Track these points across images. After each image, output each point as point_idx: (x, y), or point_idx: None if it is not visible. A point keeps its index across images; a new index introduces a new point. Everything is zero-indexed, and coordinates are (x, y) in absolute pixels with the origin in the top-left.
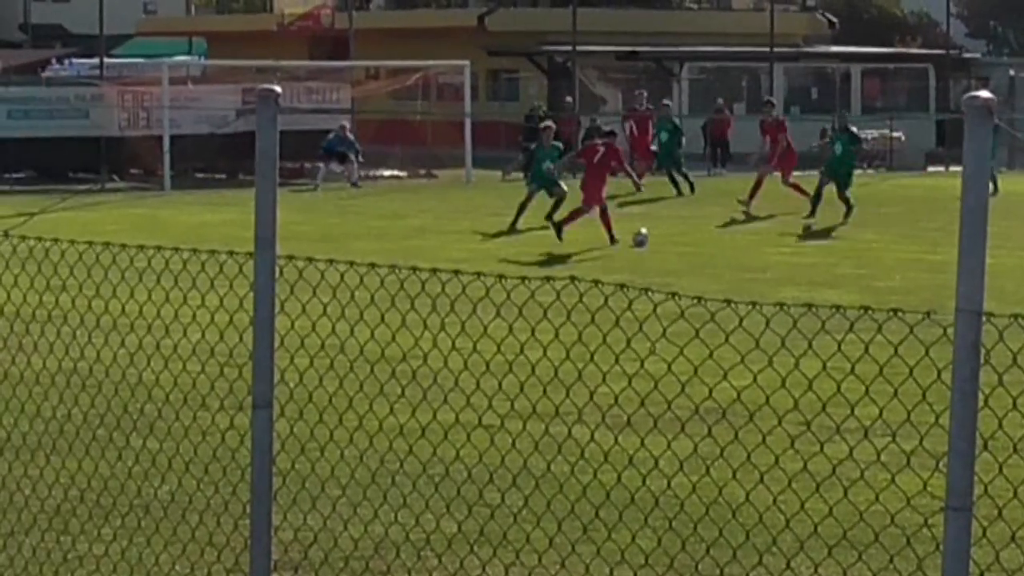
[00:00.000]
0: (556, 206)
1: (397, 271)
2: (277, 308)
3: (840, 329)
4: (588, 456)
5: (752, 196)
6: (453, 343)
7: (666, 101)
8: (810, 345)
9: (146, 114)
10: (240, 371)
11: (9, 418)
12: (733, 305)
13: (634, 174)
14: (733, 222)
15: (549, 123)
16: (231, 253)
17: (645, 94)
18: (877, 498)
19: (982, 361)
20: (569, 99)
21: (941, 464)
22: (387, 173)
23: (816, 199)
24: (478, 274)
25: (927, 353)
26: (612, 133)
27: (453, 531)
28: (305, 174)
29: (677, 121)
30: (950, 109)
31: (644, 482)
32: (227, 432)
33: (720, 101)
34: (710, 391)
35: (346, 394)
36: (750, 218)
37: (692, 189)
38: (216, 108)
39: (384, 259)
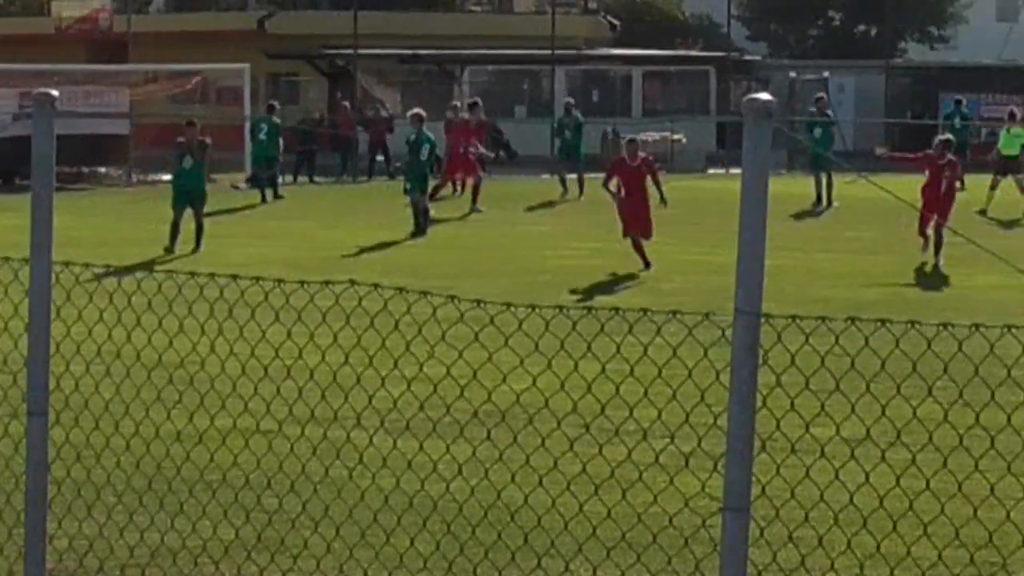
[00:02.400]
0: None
1: (175, 276)
2: (53, 314)
3: (619, 331)
4: (367, 460)
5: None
6: (231, 348)
7: (568, 99)
8: (589, 347)
9: None
10: (15, 378)
11: None
12: (512, 308)
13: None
14: (515, 225)
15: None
16: (6, 259)
17: (458, 104)
18: (655, 499)
19: (760, 362)
20: (347, 103)
21: (719, 465)
22: (165, 177)
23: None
24: (257, 279)
25: (706, 354)
26: (476, 104)
27: (231, 537)
28: (83, 178)
29: (580, 118)
30: (731, 111)
31: (423, 486)
32: (1, 440)
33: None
34: (489, 394)
35: (123, 400)
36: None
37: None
38: None
39: (162, 264)
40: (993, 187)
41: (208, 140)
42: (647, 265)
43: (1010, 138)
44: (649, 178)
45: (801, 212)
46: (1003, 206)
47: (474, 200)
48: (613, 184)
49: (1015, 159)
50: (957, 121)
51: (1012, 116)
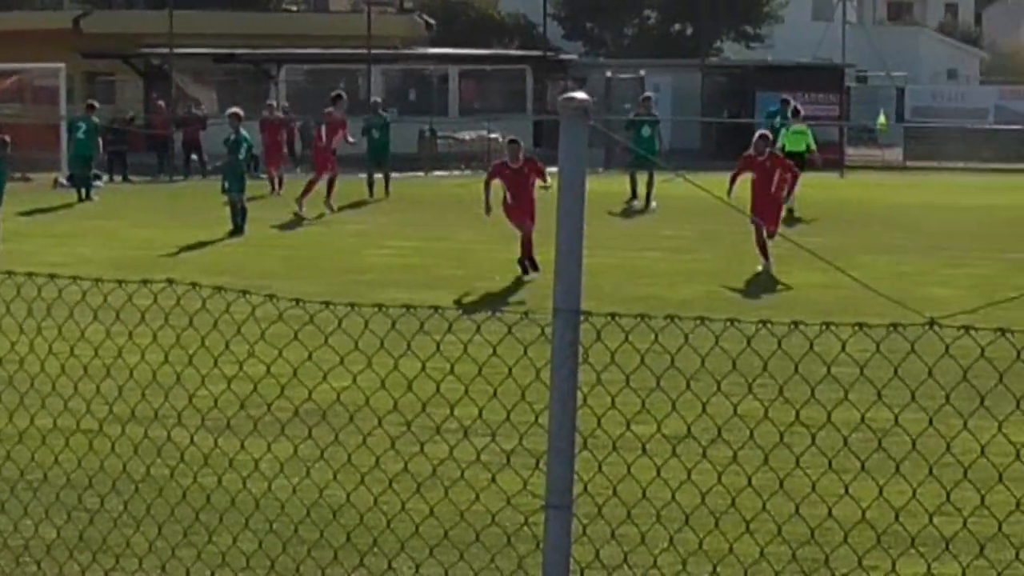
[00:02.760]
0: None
1: None
2: None
3: (439, 330)
4: (188, 459)
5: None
6: (50, 347)
7: (375, 98)
8: (409, 346)
9: None
10: None
11: None
12: (332, 307)
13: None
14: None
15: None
16: None
17: (274, 103)
18: (478, 497)
19: (580, 360)
20: (162, 102)
21: (541, 463)
22: None
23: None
24: (75, 278)
25: (526, 352)
26: (339, 96)
27: (52, 537)
28: None
29: (388, 117)
30: (547, 110)
31: (245, 485)
32: None
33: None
34: (310, 393)
35: None
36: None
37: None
38: None
39: None
40: None
41: (7, 138)
42: (535, 267)
43: (792, 135)
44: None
45: (622, 211)
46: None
47: (328, 195)
48: (495, 188)
49: (801, 156)
50: (777, 120)
51: (796, 113)
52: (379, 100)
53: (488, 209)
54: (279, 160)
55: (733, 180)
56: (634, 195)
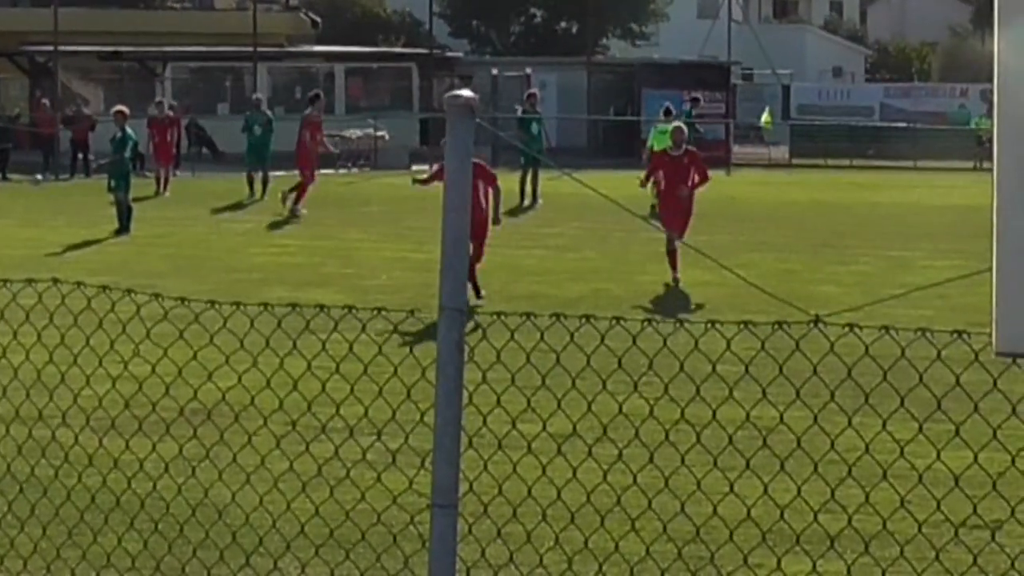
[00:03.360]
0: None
1: None
2: None
3: (325, 328)
4: (73, 459)
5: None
6: None
7: (257, 95)
8: (295, 345)
9: None
10: None
11: None
12: (217, 306)
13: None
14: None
15: None
16: None
17: (163, 101)
18: (363, 497)
19: (466, 359)
20: (46, 101)
21: (427, 462)
22: None
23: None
24: None
25: (411, 351)
26: (317, 96)
27: None
28: None
29: (270, 115)
30: (434, 108)
31: (130, 485)
32: None
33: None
34: (195, 392)
35: None
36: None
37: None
38: None
39: None
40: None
41: None
42: (477, 293)
43: (659, 134)
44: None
45: (508, 211)
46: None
47: (297, 200)
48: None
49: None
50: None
51: (668, 112)
52: (260, 97)
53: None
54: (168, 159)
55: (648, 179)
56: (523, 197)
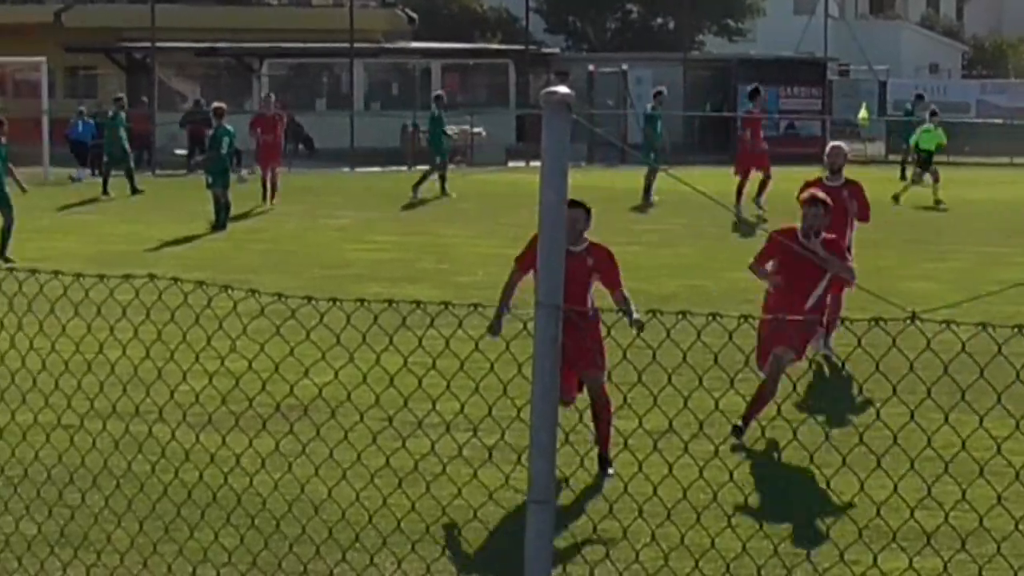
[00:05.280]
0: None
1: None
2: None
3: (421, 324)
4: (169, 455)
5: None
6: (31, 343)
7: (119, 94)
8: (391, 341)
9: None
10: None
11: None
12: (314, 302)
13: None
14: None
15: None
16: None
17: (272, 97)
18: (460, 492)
19: (562, 355)
20: (145, 98)
21: (523, 458)
22: None
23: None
24: (56, 273)
25: (508, 348)
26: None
27: (33, 533)
28: None
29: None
30: (530, 104)
31: (226, 480)
32: None
33: (198, 98)
34: (291, 388)
35: None
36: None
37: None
38: None
39: None
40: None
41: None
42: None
43: (925, 133)
44: None
45: (632, 208)
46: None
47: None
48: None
49: (931, 155)
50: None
51: (934, 113)
52: (122, 96)
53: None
54: (274, 159)
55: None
56: (648, 193)
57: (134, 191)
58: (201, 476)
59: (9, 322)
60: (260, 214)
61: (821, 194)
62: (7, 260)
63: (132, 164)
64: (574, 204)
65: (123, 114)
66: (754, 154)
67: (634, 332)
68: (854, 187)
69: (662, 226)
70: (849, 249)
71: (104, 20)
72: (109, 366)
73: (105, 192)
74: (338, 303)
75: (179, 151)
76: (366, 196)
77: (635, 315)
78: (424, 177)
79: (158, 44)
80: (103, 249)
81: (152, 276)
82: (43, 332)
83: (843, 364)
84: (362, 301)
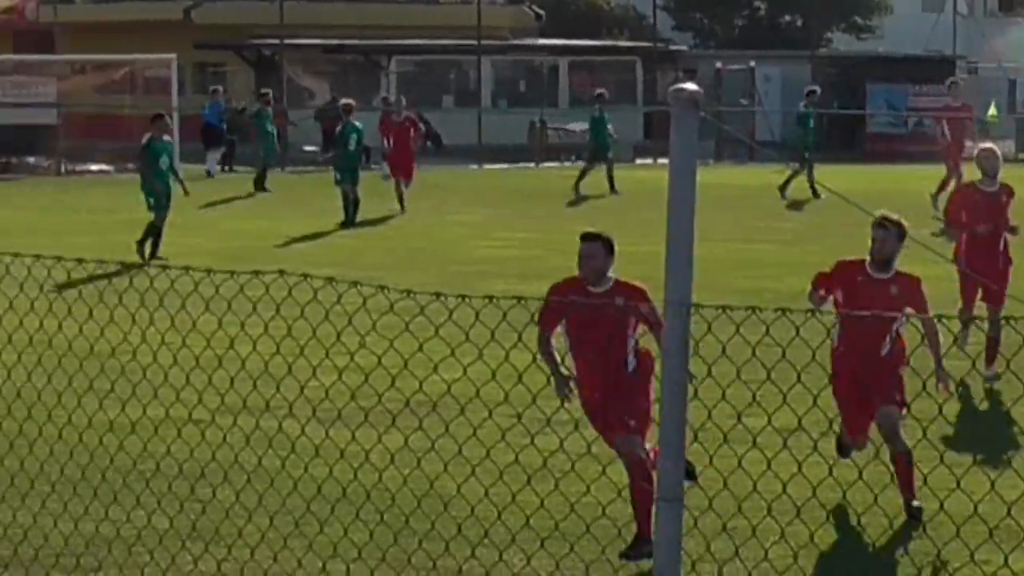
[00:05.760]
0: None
1: (105, 266)
2: None
3: None
4: (299, 450)
5: None
6: (162, 338)
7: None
8: (520, 337)
9: None
10: None
11: None
12: (442, 298)
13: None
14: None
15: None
16: None
17: (403, 99)
18: (588, 490)
19: (691, 353)
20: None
21: None
22: (94, 168)
23: None
24: (187, 268)
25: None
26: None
27: (165, 527)
28: (11, 168)
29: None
30: (657, 101)
31: (355, 476)
32: None
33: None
34: (420, 384)
35: (55, 390)
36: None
37: None
38: None
39: (93, 254)
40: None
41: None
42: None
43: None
44: None
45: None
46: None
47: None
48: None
49: None
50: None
51: None
52: (268, 92)
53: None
54: (407, 170)
55: (951, 224)
56: (814, 191)
57: (261, 188)
58: (331, 471)
59: (141, 317)
60: (384, 210)
61: (893, 215)
62: (157, 258)
63: (273, 162)
64: (590, 237)
65: (269, 110)
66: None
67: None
68: (1010, 192)
69: (791, 224)
70: (1009, 257)
71: (233, 17)
72: (240, 361)
73: (264, 189)
74: (467, 300)
75: (308, 147)
76: (494, 193)
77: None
78: (583, 173)
79: (287, 41)
80: (231, 245)
81: (282, 272)
82: (174, 327)
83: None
84: (491, 298)
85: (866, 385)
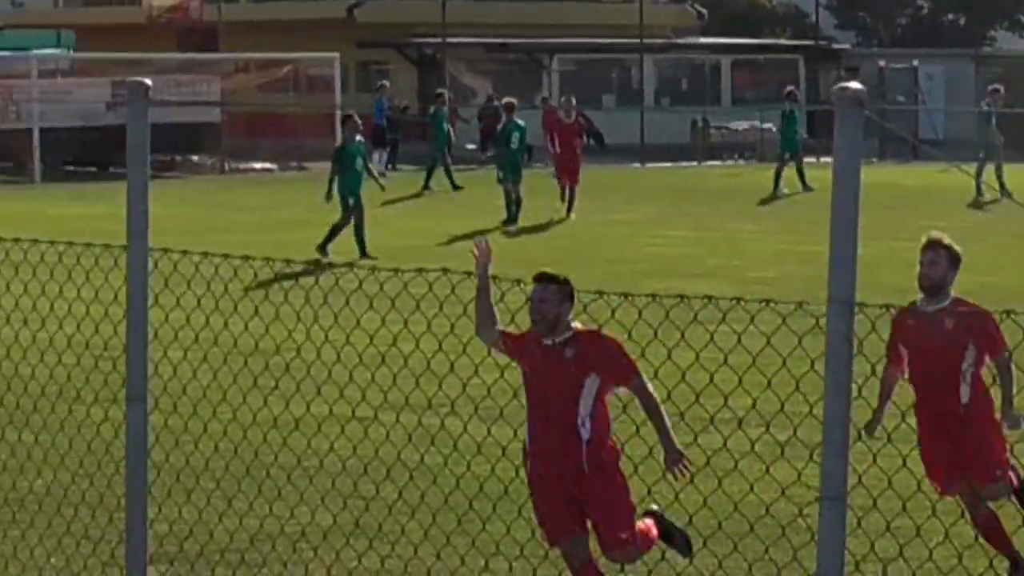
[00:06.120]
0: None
1: (271, 264)
2: (151, 301)
3: (713, 320)
4: (461, 448)
5: None
6: (326, 335)
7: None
8: (683, 336)
9: (15, 107)
10: (114, 364)
11: None
12: (605, 297)
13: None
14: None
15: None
16: (106, 246)
17: (572, 101)
18: (752, 488)
19: (855, 351)
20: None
21: (815, 454)
22: (258, 166)
23: None
24: (351, 266)
25: (800, 343)
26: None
27: (328, 523)
28: (176, 167)
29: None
30: (820, 100)
31: (517, 473)
32: (102, 425)
33: (491, 93)
34: None
35: (220, 386)
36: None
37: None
38: (86, 101)
39: (257, 252)
40: None
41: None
42: None
43: None
44: None
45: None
46: None
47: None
48: None
49: None
50: None
51: None
52: (443, 92)
53: None
54: (573, 178)
55: None
56: (1003, 188)
57: (454, 187)
58: (493, 469)
59: (305, 315)
60: (546, 208)
61: (945, 237)
62: (324, 254)
63: (449, 161)
64: (543, 278)
65: (445, 109)
66: None
67: (672, 474)
68: None
69: (953, 223)
70: None
71: (396, 15)
72: (402, 359)
73: (456, 187)
74: (629, 298)
75: (470, 146)
76: (656, 191)
77: (669, 434)
78: (778, 174)
79: (449, 40)
80: (396, 244)
81: (445, 270)
82: (338, 324)
83: None
84: (654, 296)
85: (950, 450)
